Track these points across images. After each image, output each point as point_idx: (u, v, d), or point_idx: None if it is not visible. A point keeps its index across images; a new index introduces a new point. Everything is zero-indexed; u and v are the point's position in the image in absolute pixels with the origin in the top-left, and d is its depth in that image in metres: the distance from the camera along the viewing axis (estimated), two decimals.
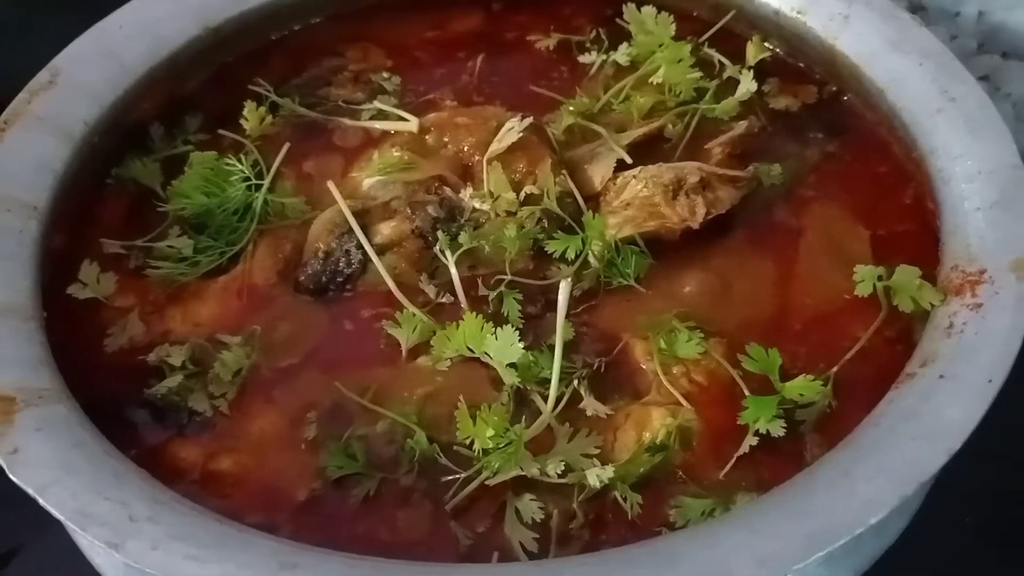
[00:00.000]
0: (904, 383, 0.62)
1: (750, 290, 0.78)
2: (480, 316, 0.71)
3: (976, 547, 0.82)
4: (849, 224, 0.81)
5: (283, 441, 0.71)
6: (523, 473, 0.65)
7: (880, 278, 0.72)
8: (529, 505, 0.64)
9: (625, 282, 0.77)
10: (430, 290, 0.78)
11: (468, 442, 0.67)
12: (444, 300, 0.77)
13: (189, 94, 0.94)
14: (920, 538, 0.72)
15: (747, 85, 0.88)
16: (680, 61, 0.89)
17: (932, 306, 0.68)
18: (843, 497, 0.55)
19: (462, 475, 0.66)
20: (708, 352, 0.72)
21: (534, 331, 0.74)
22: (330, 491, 0.68)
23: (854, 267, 0.75)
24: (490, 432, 0.65)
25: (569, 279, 0.72)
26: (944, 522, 0.76)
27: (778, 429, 0.67)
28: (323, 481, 0.68)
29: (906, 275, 0.70)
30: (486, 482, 0.66)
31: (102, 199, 0.85)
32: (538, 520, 0.64)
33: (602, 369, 0.73)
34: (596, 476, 0.64)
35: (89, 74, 0.86)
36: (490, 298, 0.76)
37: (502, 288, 0.76)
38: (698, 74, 0.89)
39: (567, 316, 0.73)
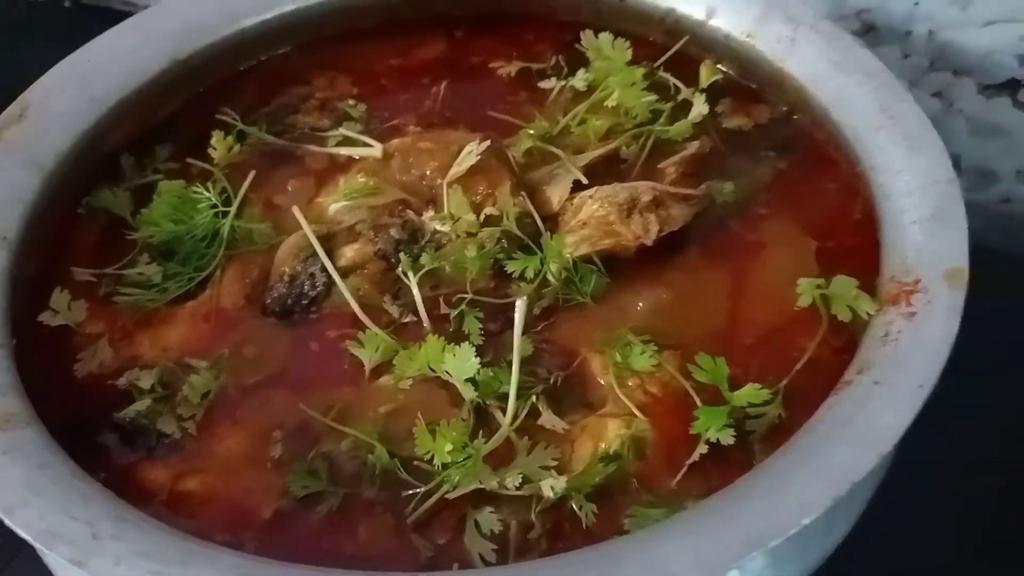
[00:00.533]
0: (842, 390, 0.65)
1: (703, 304, 0.80)
2: (442, 338, 0.74)
3: (929, 542, 0.85)
4: (798, 239, 0.83)
5: (249, 461, 0.73)
6: (482, 486, 0.67)
7: (819, 287, 0.75)
8: (488, 518, 0.66)
9: (582, 299, 0.80)
10: (393, 310, 0.80)
11: (429, 457, 0.69)
12: (407, 320, 0.79)
13: (159, 124, 0.96)
14: (870, 537, 0.74)
15: (699, 108, 0.91)
16: (634, 85, 0.92)
17: (868, 315, 0.70)
18: (780, 500, 0.57)
19: (423, 489, 0.68)
20: (662, 365, 0.74)
21: (495, 348, 0.77)
22: (295, 508, 0.70)
23: (802, 280, 0.77)
24: (449, 447, 0.67)
25: (525, 298, 0.74)
26: (894, 519, 0.78)
27: (728, 438, 0.69)
28: (288, 499, 0.70)
29: (843, 285, 0.73)
30: (446, 495, 0.68)
31: (73, 228, 0.87)
32: (497, 532, 0.66)
33: (559, 383, 0.75)
34: (551, 487, 0.66)
35: (60, 106, 0.88)
36: (451, 316, 0.78)
37: (463, 307, 0.78)
38: (652, 97, 0.92)
39: (526, 333, 0.75)
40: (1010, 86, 1.12)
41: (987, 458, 0.91)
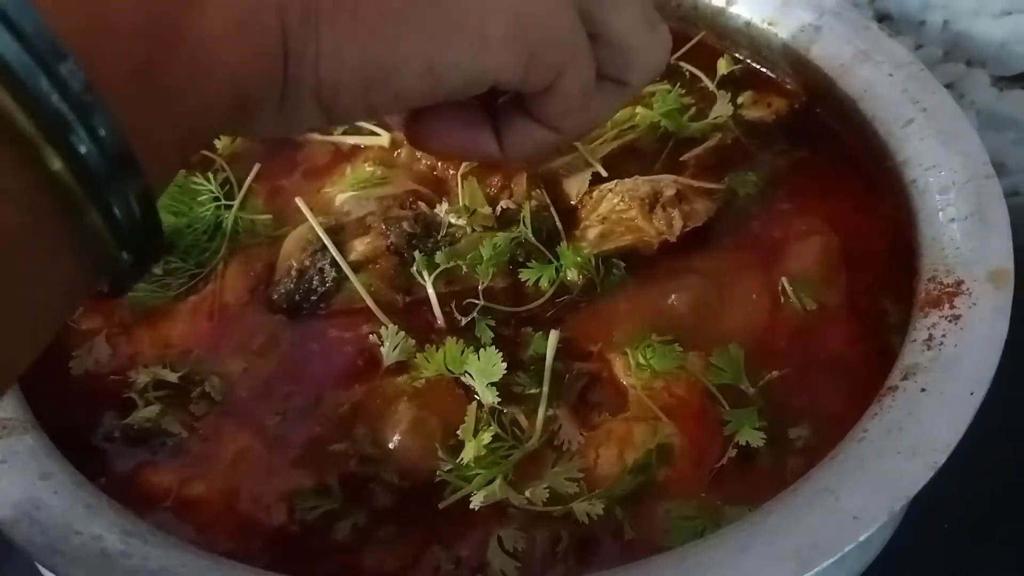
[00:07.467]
0: (886, 396, 0.62)
1: (728, 302, 0.77)
2: (461, 340, 0.71)
3: (955, 550, 0.83)
4: (824, 235, 0.81)
5: (259, 465, 0.69)
6: (506, 498, 0.64)
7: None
8: (512, 533, 0.63)
9: (603, 298, 0.77)
10: None
11: (447, 468, 0.66)
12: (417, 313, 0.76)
13: None
14: (898, 547, 0.72)
15: (722, 109, 0.87)
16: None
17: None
18: (830, 514, 0.55)
19: (446, 501, 0.65)
20: (686, 367, 0.71)
21: (509, 349, 0.73)
22: (307, 517, 0.66)
23: (829, 279, 0.76)
24: (487, 440, 0.65)
25: (558, 332, 0.71)
26: (921, 529, 0.76)
27: (758, 440, 0.67)
28: (299, 509, 0.67)
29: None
30: (469, 508, 0.64)
31: None
32: (520, 548, 0.63)
33: (580, 385, 0.72)
34: (585, 512, 0.63)
35: None
36: (462, 323, 0.75)
37: (474, 314, 0.75)
38: (680, 91, 0.89)
39: (545, 332, 0.72)
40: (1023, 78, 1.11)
41: (981, 456, 0.89)
